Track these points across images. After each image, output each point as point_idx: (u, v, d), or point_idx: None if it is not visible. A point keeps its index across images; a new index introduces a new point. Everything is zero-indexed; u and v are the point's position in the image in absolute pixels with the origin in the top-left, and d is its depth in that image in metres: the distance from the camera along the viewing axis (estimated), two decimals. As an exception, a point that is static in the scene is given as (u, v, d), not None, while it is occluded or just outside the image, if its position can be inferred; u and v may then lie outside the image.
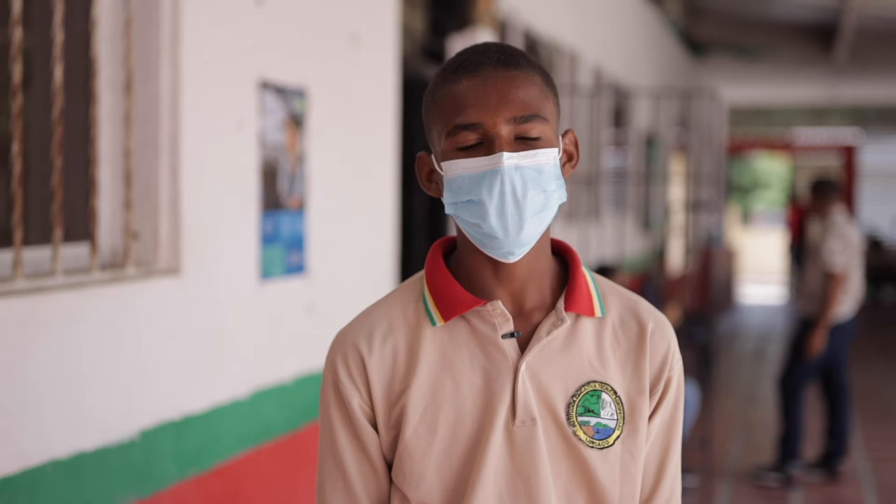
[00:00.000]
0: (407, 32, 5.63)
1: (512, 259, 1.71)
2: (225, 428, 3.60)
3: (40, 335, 2.82)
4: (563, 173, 1.75)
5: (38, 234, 3.12)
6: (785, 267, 22.21)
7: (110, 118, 3.24)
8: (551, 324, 1.74)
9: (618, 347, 1.78)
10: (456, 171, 1.69)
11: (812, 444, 8.06)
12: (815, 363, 7.42)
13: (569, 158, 1.78)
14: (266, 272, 3.85)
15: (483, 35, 6.20)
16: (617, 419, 1.74)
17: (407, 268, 5.64)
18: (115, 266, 3.24)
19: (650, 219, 12.04)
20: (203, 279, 3.48)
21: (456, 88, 1.70)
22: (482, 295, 1.76)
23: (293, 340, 4.06)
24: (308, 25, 4.17)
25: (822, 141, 22.55)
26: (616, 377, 1.76)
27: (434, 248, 1.84)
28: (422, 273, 1.82)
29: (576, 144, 1.79)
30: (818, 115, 22.35)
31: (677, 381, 1.81)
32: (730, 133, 20.53)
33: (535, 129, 1.69)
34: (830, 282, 7.24)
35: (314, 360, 4.18)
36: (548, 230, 1.77)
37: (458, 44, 6.21)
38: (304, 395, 4.11)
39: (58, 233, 2.94)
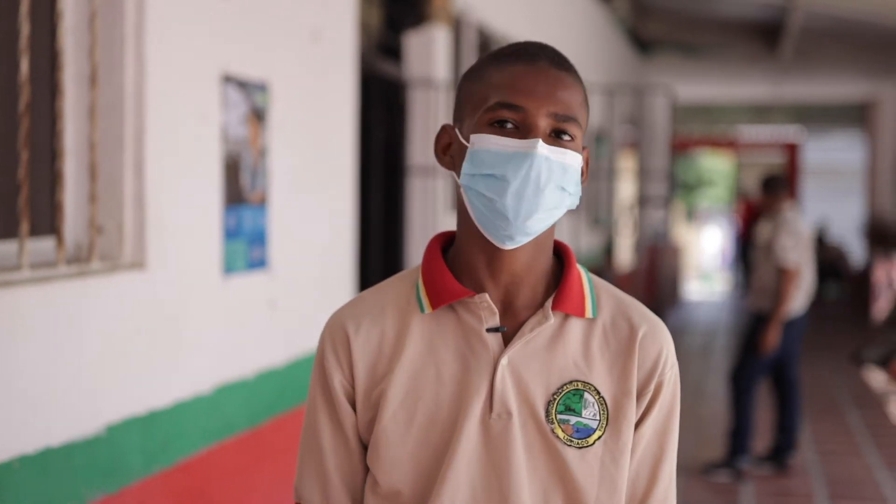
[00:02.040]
0: (363, 28, 5.63)
1: (510, 245, 1.73)
2: (189, 423, 3.59)
3: (7, 330, 2.79)
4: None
5: (4, 228, 3.09)
6: (732, 263, 22.42)
7: (75, 111, 3.22)
8: (536, 321, 1.76)
9: (606, 349, 1.78)
10: (486, 144, 1.71)
11: (761, 438, 8.15)
12: (767, 358, 7.51)
13: (581, 173, 1.81)
14: (229, 267, 3.84)
15: (438, 32, 6.21)
16: (599, 420, 1.75)
17: (365, 264, 5.64)
18: (81, 260, 3.22)
19: (599, 215, 12.11)
20: (167, 274, 3.47)
21: (509, 69, 1.73)
22: (474, 287, 1.78)
23: (255, 336, 4.06)
24: (270, 19, 4.16)
25: (765, 138, 22.80)
26: (602, 378, 1.77)
27: (434, 239, 1.87)
28: (420, 264, 1.85)
29: (587, 162, 1.82)
30: (761, 112, 22.58)
31: (671, 387, 1.81)
32: (675, 131, 20.68)
33: (570, 131, 1.72)
34: (783, 278, 7.32)
35: (276, 355, 4.18)
36: (552, 230, 1.79)
37: (413, 40, 6.23)
38: (266, 390, 4.10)
39: (24, 227, 2.92)
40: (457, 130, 1.78)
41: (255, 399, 4.03)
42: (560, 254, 1.85)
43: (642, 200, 13.30)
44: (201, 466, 3.66)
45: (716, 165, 28.38)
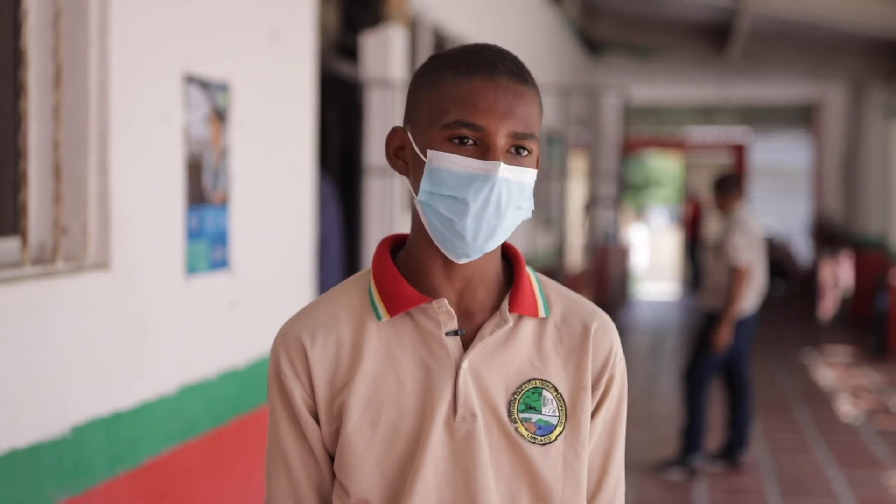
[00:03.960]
0: (321, 28, 5.63)
1: (465, 260, 1.74)
2: (153, 424, 3.57)
3: (-27, 331, 2.78)
4: None
5: (-31, 229, 3.07)
6: (680, 263, 22.59)
7: (39, 111, 3.20)
8: (495, 324, 1.77)
9: (560, 346, 1.80)
10: (445, 163, 1.70)
11: (713, 436, 8.23)
12: (719, 357, 7.58)
13: None
14: (191, 268, 3.83)
15: (395, 32, 6.23)
16: (559, 416, 1.77)
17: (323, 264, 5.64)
18: (45, 261, 3.20)
19: (551, 216, 12.17)
20: (131, 274, 3.45)
21: (466, 84, 1.71)
22: (429, 292, 1.78)
23: (218, 336, 4.05)
24: (230, 19, 4.15)
25: (713, 139, 22.98)
26: (558, 375, 1.79)
27: (382, 243, 1.85)
28: (369, 268, 1.84)
29: (537, 160, 1.84)
30: (708, 114, 22.76)
31: (620, 380, 1.84)
32: (624, 132, 20.81)
33: (528, 146, 1.72)
34: (735, 277, 7.40)
35: (238, 355, 4.17)
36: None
37: (370, 40, 6.23)
38: (229, 390, 4.10)
39: (-10, 227, 2.90)
40: (409, 135, 1.77)
41: (218, 400, 4.02)
42: (509, 255, 1.86)
43: (593, 201, 13.38)
44: (165, 467, 3.65)
45: (664, 166, 28.58)
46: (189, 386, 3.81)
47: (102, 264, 3.33)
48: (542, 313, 1.80)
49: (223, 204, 4.07)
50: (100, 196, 3.32)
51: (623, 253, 19.08)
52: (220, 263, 4.05)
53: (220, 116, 4.02)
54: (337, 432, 1.77)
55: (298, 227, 4.81)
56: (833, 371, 12.10)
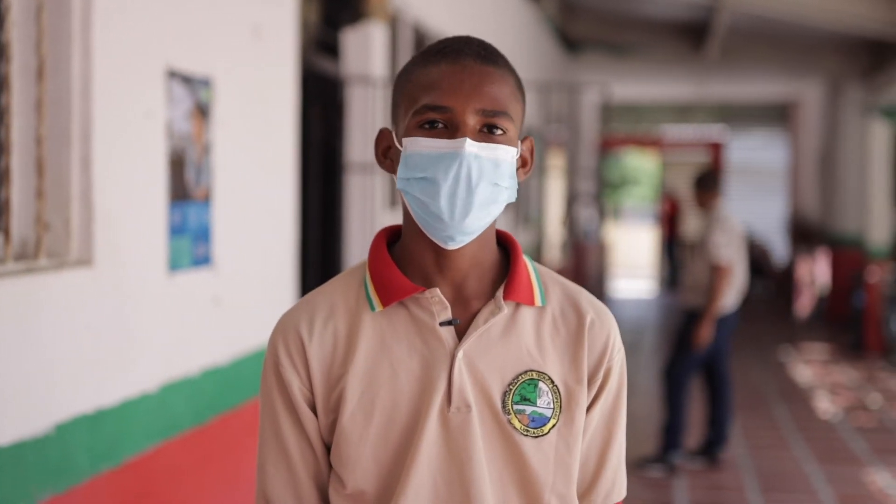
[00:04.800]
0: (302, 25, 5.60)
1: (452, 245, 1.74)
2: (136, 421, 3.55)
3: (-44, 327, 2.75)
4: (517, 176, 1.79)
5: (-49, 225, 3.04)
6: (657, 261, 22.63)
7: (22, 106, 3.17)
8: (489, 312, 1.77)
9: (557, 337, 1.80)
10: (416, 147, 1.72)
11: (693, 433, 8.25)
12: (700, 354, 7.59)
13: (523, 164, 1.82)
14: (174, 264, 3.81)
15: (376, 29, 6.21)
16: (553, 408, 1.77)
17: (304, 261, 5.62)
18: (27, 257, 3.17)
19: (530, 213, 12.18)
20: (114, 271, 3.43)
21: (433, 70, 1.74)
22: (423, 283, 1.78)
23: (200, 333, 4.02)
24: (213, 14, 4.13)
25: (689, 137, 23.04)
26: (554, 366, 1.78)
27: (378, 235, 1.86)
28: (365, 259, 1.84)
29: (531, 152, 1.83)
30: (684, 112, 22.82)
31: (618, 372, 1.85)
32: (601, 129, 20.85)
33: (500, 125, 1.73)
34: (716, 275, 7.40)
35: (221, 352, 4.15)
36: (493, 224, 1.80)
37: (350, 37, 6.21)
38: (211, 387, 4.07)
39: (-28, 223, 2.87)
40: (393, 134, 1.79)
41: (201, 397, 4.00)
42: (505, 244, 1.86)
43: (571, 198, 13.39)
44: (148, 465, 3.62)
45: (640, 164, 28.64)
46: (172, 383, 3.79)
47: (85, 261, 3.30)
48: (538, 302, 1.80)
49: (206, 200, 4.04)
50: (83, 192, 3.29)
51: (600, 250, 19.11)
52: (203, 260, 4.03)
53: (202, 112, 4.00)
54: (334, 424, 1.77)
55: (281, 223, 4.79)
56: (811, 368, 12.14)
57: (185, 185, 3.89)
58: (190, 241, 3.92)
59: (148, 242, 3.64)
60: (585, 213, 16.45)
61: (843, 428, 9.06)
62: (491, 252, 1.82)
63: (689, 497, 7.13)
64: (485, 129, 1.72)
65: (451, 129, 1.71)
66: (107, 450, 3.37)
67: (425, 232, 1.75)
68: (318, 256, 6.07)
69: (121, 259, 3.47)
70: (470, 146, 1.69)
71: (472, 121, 1.71)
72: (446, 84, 1.71)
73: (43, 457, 3.04)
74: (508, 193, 1.75)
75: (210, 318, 4.09)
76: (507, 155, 1.73)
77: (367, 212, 6.19)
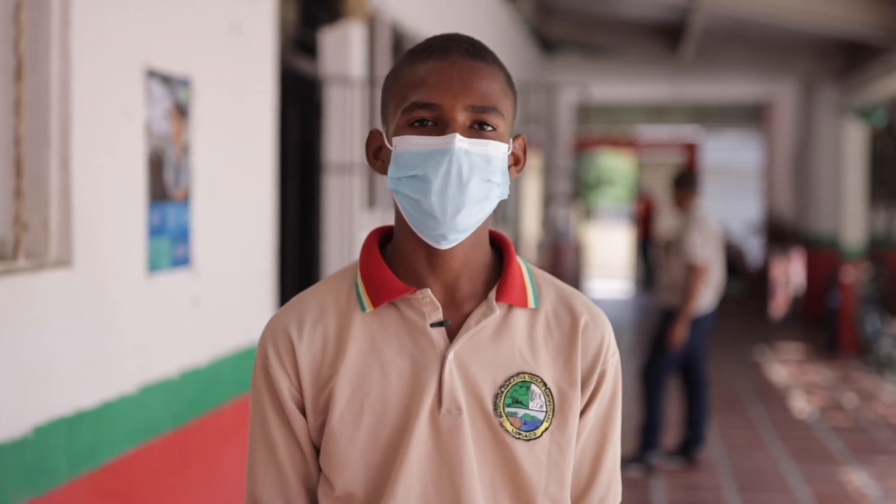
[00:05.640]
0: (280, 24, 5.58)
1: (445, 244, 1.72)
2: (115, 423, 3.52)
3: (-66, 329, 2.72)
4: (510, 174, 1.77)
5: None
6: (632, 261, 22.68)
7: (0, 105, 3.13)
8: (481, 313, 1.75)
9: (550, 339, 1.78)
10: (406, 146, 1.70)
11: (670, 433, 8.26)
12: (677, 354, 7.60)
13: (515, 161, 1.80)
14: (153, 265, 3.78)
15: (354, 28, 6.19)
16: (546, 411, 1.75)
17: (283, 261, 5.60)
18: (6, 258, 3.14)
19: (507, 213, 12.18)
20: (94, 272, 3.40)
21: (421, 68, 1.72)
22: (414, 283, 1.76)
23: (179, 334, 3.99)
24: (191, 13, 4.10)
25: (664, 138, 23.11)
26: (547, 369, 1.77)
27: (370, 235, 1.84)
28: (356, 260, 1.83)
29: (524, 150, 1.81)
30: (659, 112, 22.87)
31: (613, 375, 1.82)
32: (579, 130, 20.89)
33: (490, 121, 1.71)
34: (692, 274, 7.41)
35: (200, 354, 4.12)
36: (486, 223, 1.78)
37: (329, 37, 6.19)
38: (190, 389, 4.05)
39: (-50, 223, 2.84)
40: (384, 134, 1.78)
41: (180, 398, 3.97)
42: (499, 245, 1.84)
43: (548, 199, 13.40)
44: (127, 468, 3.59)
45: (615, 165, 28.70)
46: (151, 385, 3.76)
47: (64, 261, 3.27)
48: (531, 303, 1.78)
49: (185, 200, 4.01)
50: (61, 192, 3.26)
51: (576, 251, 19.14)
52: (182, 261, 4.00)
53: (181, 112, 3.97)
54: (323, 425, 1.75)
55: (260, 223, 4.77)
56: (786, 368, 12.19)
57: (165, 185, 3.86)
58: (169, 241, 3.89)
59: (127, 243, 3.62)
60: (561, 214, 16.46)
61: (820, 427, 9.09)
62: (484, 252, 1.80)
63: (667, 497, 7.14)
64: (476, 126, 1.71)
65: (441, 126, 1.70)
66: (85, 452, 3.34)
67: (417, 232, 1.73)
68: (297, 257, 6.04)
69: (100, 260, 3.44)
70: (460, 142, 1.68)
71: (462, 117, 1.69)
72: (434, 81, 1.70)
73: (21, 460, 3.01)
74: (501, 190, 1.74)
75: (189, 319, 4.07)
76: (498, 151, 1.72)
77: (345, 212, 6.16)
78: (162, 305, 3.86)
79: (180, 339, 4.00)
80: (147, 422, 3.74)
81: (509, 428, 1.73)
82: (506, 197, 1.76)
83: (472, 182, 1.68)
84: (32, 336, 3.09)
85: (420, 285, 1.76)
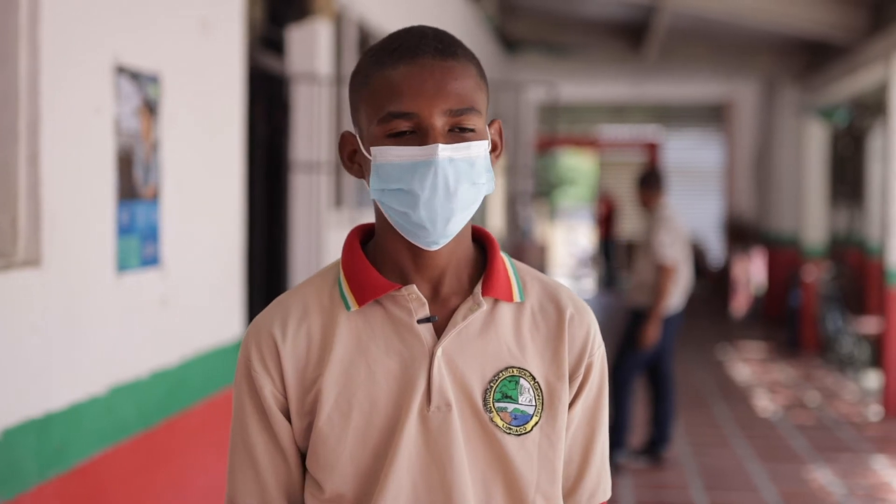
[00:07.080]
0: (248, 21, 5.53)
1: (435, 248, 1.70)
2: (84, 425, 3.47)
3: None
4: (491, 162, 1.75)
5: None
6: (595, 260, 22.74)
7: (-32, 102, 3.08)
8: (468, 308, 1.73)
9: (537, 333, 1.77)
10: (387, 157, 1.66)
11: (636, 433, 8.27)
12: (645, 354, 7.60)
13: (493, 148, 1.77)
14: (122, 264, 3.73)
15: (321, 26, 6.15)
16: (535, 405, 1.73)
17: (250, 260, 5.55)
18: (-26, 257, 3.09)
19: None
20: (62, 271, 3.35)
21: (392, 74, 1.67)
22: (399, 280, 1.74)
23: (149, 335, 3.95)
24: (160, 9, 4.05)
25: (626, 138, 23.18)
26: (535, 363, 1.75)
27: (351, 233, 1.81)
28: (339, 259, 1.80)
29: (500, 133, 1.78)
30: (621, 112, 22.93)
31: (599, 367, 1.80)
32: (542, 129, 20.91)
33: (469, 122, 1.68)
34: (661, 274, 7.41)
35: (169, 354, 4.08)
36: (470, 219, 1.76)
37: (296, 34, 6.15)
38: (160, 390, 4.00)
39: (-82, 222, 2.78)
40: (357, 138, 1.74)
41: (149, 399, 3.92)
42: (482, 240, 1.82)
43: (512, 198, 13.40)
44: (96, 470, 3.54)
45: (577, 164, 28.77)
46: (120, 385, 3.71)
47: (33, 261, 3.21)
48: (516, 297, 1.76)
49: (154, 199, 3.96)
50: (30, 189, 3.21)
51: (538, 251, 19.16)
52: (151, 260, 3.95)
53: (150, 109, 3.92)
54: (310, 427, 1.72)
55: (228, 222, 4.72)
56: (749, 367, 12.25)
57: (134, 183, 3.81)
58: (138, 240, 3.84)
59: (96, 242, 3.57)
60: (525, 213, 16.47)
61: (784, 426, 9.14)
62: (467, 248, 1.78)
63: (634, 495, 7.15)
64: (456, 130, 1.67)
65: (421, 135, 1.66)
66: (55, 455, 3.29)
67: (408, 238, 1.71)
68: (265, 256, 6.00)
69: (69, 259, 3.38)
70: (443, 151, 1.64)
71: (440, 122, 1.66)
72: (407, 88, 1.65)
73: (-9, 463, 2.96)
74: (487, 187, 1.72)
75: (158, 319, 4.02)
76: (480, 150, 1.69)
77: (312, 211, 6.13)
78: (131, 305, 3.81)
79: (150, 339, 3.95)
80: (117, 423, 3.69)
81: (499, 423, 1.71)
82: (492, 191, 1.74)
83: (460, 190, 1.66)
84: (1, 336, 3.04)
85: (405, 282, 1.73)
